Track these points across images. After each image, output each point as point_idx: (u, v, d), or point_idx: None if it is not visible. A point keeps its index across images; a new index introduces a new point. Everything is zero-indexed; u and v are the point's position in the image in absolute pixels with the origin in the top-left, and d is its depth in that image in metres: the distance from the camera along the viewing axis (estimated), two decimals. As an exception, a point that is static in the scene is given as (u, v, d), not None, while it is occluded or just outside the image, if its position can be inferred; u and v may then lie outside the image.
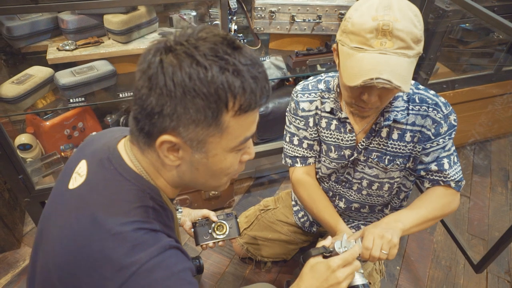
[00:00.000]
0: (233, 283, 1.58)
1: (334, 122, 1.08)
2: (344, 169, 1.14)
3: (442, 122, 0.98)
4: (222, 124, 0.55)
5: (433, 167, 1.03)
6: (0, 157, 1.32)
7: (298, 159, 1.18)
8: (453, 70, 2.01)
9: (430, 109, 0.99)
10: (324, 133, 1.11)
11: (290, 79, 1.97)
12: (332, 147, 1.10)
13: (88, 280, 0.57)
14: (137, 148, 0.63)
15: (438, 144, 1.01)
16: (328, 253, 0.82)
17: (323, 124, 1.10)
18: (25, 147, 1.48)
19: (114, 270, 0.56)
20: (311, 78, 1.13)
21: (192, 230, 1.07)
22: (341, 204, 1.23)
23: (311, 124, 1.12)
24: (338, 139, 1.09)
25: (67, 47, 1.38)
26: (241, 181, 2.06)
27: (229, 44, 0.54)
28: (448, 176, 1.03)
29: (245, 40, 1.67)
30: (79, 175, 0.65)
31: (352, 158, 1.09)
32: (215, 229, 1.06)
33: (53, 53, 1.37)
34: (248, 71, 0.54)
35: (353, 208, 1.23)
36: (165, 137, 0.55)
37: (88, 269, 0.57)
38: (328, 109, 1.07)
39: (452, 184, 1.03)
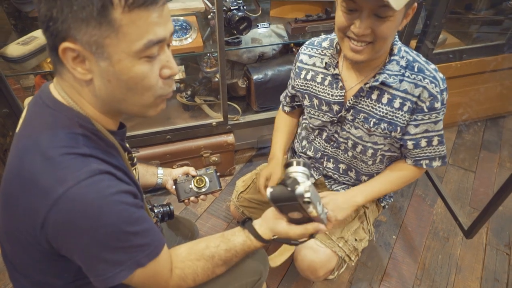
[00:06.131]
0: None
1: (328, 78, 1.10)
2: (333, 127, 1.16)
3: (438, 96, 0.99)
4: (114, 22, 0.54)
5: (423, 142, 1.06)
6: (9, 116, 1.40)
7: (284, 102, 1.35)
8: (462, 40, 1.95)
9: (427, 80, 0.98)
10: (318, 87, 1.14)
11: (294, 49, 1.97)
12: (323, 101, 1.13)
13: (24, 201, 0.60)
14: (58, 75, 0.63)
15: (430, 118, 1.02)
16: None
17: (319, 80, 1.13)
18: (33, 108, 1.56)
19: (41, 194, 0.58)
20: (322, 35, 1.18)
21: (174, 187, 1.09)
22: (330, 165, 1.25)
23: (302, 76, 1.17)
24: (328, 94, 1.11)
25: (70, 11, 1.43)
26: (243, 151, 2.10)
27: None
28: (433, 153, 1.09)
29: (245, 7, 1.68)
30: (21, 118, 0.69)
31: (339, 114, 1.11)
32: (195, 183, 1.07)
33: (56, 17, 1.43)
34: None
35: (341, 170, 1.24)
36: (64, 44, 0.55)
37: (22, 188, 0.60)
38: (323, 64, 1.11)
39: (434, 163, 1.10)
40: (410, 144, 1.07)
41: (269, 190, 0.73)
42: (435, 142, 1.07)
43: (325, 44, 1.13)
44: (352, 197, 1.10)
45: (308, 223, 0.80)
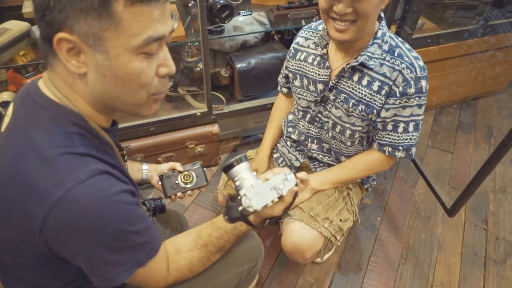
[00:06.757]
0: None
1: (318, 58, 1.14)
2: (316, 107, 1.20)
3: (412, 82, 1.00)
4: (115, 15, 0.52)
5: (389, 126, 1.08)
6: (-18, 113, 1.34)
7: (281, 83, 1.38)
8: (439, 25, 1.99)
9: (404, 65, 1.01)
10: (308, 67, 1.17)
11: (276, 37, 1.96)
12: (311, 80, 1.17)
13: (20, 203, 0.58)
14: (49, 67, 0.61)
15: (400, 103, 1.04)
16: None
17: (310, 60, 1.17)
18: (8, 104, 1.49)
19: (40, 197, 0.56)
20: (320, 20, 1.20)
21: (160, 183, 1.07)
22: (314, 146, 1.29)
23: (297, 58, 1.20)
24: (316, 73, 1.15)
25: (43, 1, 1.37)
26: (228, 140, 2.09)
27: None
28: (396, 141, 1.10)
29: (226, -6, 1.65)
30: (7, 117, 0.66)
31: (323, 94, 1.14)
32: (182, 179, 1.06)
33: (28, 7, 1.36)
34: None
35: (325, 150, 1.28)
36: (59, 35, 0.53)
37: (17, 191, 0.58)
38: (312, 45, 1.16)
39: (397, 153, 1.12)
40: (379, 125, 1.10)
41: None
42: (400, 129, 1.08)
43: (320, 27, 1.16)
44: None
45: (284, 197, 0.81)
